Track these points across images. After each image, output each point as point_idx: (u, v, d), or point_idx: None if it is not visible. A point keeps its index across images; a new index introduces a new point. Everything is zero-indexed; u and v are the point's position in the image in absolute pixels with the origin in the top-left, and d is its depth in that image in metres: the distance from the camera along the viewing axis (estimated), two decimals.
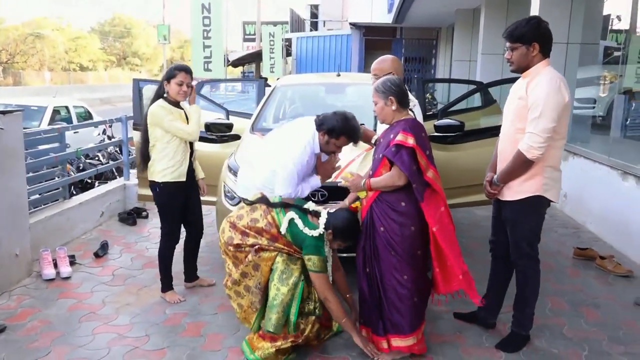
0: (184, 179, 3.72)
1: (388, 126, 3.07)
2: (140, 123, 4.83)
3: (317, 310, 3.24)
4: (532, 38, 2.92)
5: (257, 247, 3.06)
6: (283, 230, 3.03)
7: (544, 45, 2.95)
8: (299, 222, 3.01)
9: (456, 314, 3.64)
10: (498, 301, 3.44)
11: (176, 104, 3.72)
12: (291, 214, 3.04)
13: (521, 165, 2.95)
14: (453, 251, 2.93)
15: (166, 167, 3.67)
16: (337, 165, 3.47)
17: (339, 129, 3.23)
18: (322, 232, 3.01)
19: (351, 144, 3.37)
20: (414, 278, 2.97)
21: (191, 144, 3.81)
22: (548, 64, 2.98)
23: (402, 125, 2.92)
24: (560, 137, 2.97)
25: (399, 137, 2.86)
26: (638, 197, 4.75)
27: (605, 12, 8.75)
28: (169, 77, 3.65)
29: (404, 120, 2.96)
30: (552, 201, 3.10)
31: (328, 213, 3.08)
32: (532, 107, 2.88)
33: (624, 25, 8.84)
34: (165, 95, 3.71)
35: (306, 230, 2.99)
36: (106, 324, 3.53)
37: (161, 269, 3.91)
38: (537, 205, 3.06)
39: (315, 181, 3.42)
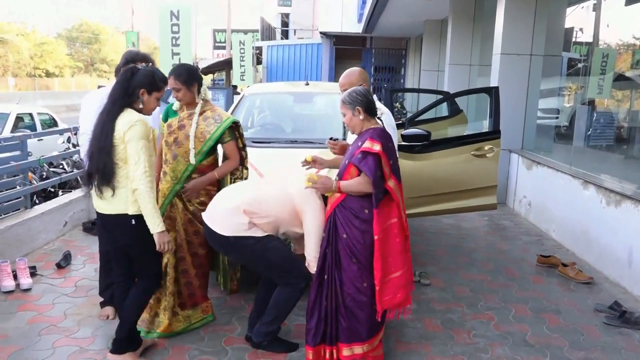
0: None
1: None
2: None
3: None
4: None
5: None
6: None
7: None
8: None
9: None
10: None
11: None
12: None
13: None
14: (385, 264, 2.89)
15: None
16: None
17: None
18: None
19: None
20: (374, 286, 2.97)
21: None
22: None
23: (370, 134, 2.95)
24: None
25: (366, 144, 2.89)
26: (598, 206, 4.88)
27: (568, 25, 9.01)
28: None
29: (372, 129, 2.99)
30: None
31: None
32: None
33: (587, 37, 9.13)
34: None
35: None
36: (67, 337, 3.44)
37: (134, 320, 3.20)
38: None
39: None
